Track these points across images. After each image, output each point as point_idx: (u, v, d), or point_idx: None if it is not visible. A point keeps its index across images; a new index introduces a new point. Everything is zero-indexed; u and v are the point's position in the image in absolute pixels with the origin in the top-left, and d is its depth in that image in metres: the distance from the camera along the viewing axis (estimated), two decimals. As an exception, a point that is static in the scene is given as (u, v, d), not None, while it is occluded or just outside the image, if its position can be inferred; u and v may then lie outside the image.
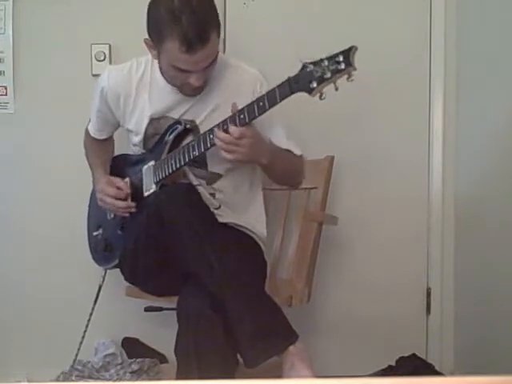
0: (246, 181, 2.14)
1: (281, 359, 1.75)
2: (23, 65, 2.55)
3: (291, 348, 1.73)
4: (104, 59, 2.52)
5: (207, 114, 2.00)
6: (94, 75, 2.51)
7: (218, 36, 1.89)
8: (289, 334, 1.76)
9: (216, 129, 1.83)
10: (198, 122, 2.03)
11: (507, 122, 2.19)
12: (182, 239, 1.79)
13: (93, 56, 2.52)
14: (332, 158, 2.34)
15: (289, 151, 2.03)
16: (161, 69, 2.01)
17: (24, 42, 2.54)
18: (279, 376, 1.73)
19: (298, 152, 2.05)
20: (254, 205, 2.19)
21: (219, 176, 2.05)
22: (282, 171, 2.02)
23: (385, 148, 2.61)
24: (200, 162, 2.02)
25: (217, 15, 1.88)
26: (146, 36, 2.25)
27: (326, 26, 2.56)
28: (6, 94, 2.55)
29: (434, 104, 2.62)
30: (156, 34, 1.88)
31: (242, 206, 2.13)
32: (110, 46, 2.53)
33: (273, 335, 1.74)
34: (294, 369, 1.71)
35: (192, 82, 1.91)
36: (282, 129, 2.04)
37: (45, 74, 2.55)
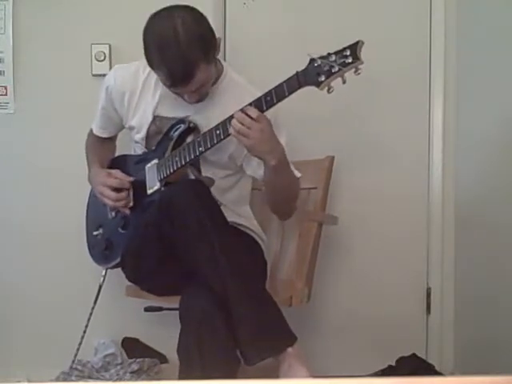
0: (235, 185, 2.14)
1: (278, 361, 1.75)
2: (23, 65, 2.55)
3: (289, 350, 1.74)
4: (104, 59, 2.51)
5: (209, 121, 1.97)
6: (94, 75, 2.52)
7: (210, 62, 1.88)
8: (288, 336, 1.77)
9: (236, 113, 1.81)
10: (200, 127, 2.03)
11: (507, 121, 2.19)
12: (190, 234, 1.79)
13: (93, 56, 2.52)
14: (332, 158, 2.34)
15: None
16: None
17: (24, 42, 2.54)
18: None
19: (297, 174, 1.99)
20: (245, 206, 2.20)
21: (212, 181, 2.01)
22: (282, 188, 1.94)
23: (385, 148, 2.61)
24: (195, 165, 2.02)
25: (209, 40, 1.87)
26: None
27: (325, 26, 2.56)
28: (6, 94, 2.55)
29: (434, 103, 2.62)
30: (147, 59, 1.91)
31: (236, 206, 2.14)
32: (110, 46, 2.53)
33: (273, 335, 1.75)
34: (292, 369, 1.72)
35: (186, 99, 1.96)
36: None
37: (45, 74, 2.55)
